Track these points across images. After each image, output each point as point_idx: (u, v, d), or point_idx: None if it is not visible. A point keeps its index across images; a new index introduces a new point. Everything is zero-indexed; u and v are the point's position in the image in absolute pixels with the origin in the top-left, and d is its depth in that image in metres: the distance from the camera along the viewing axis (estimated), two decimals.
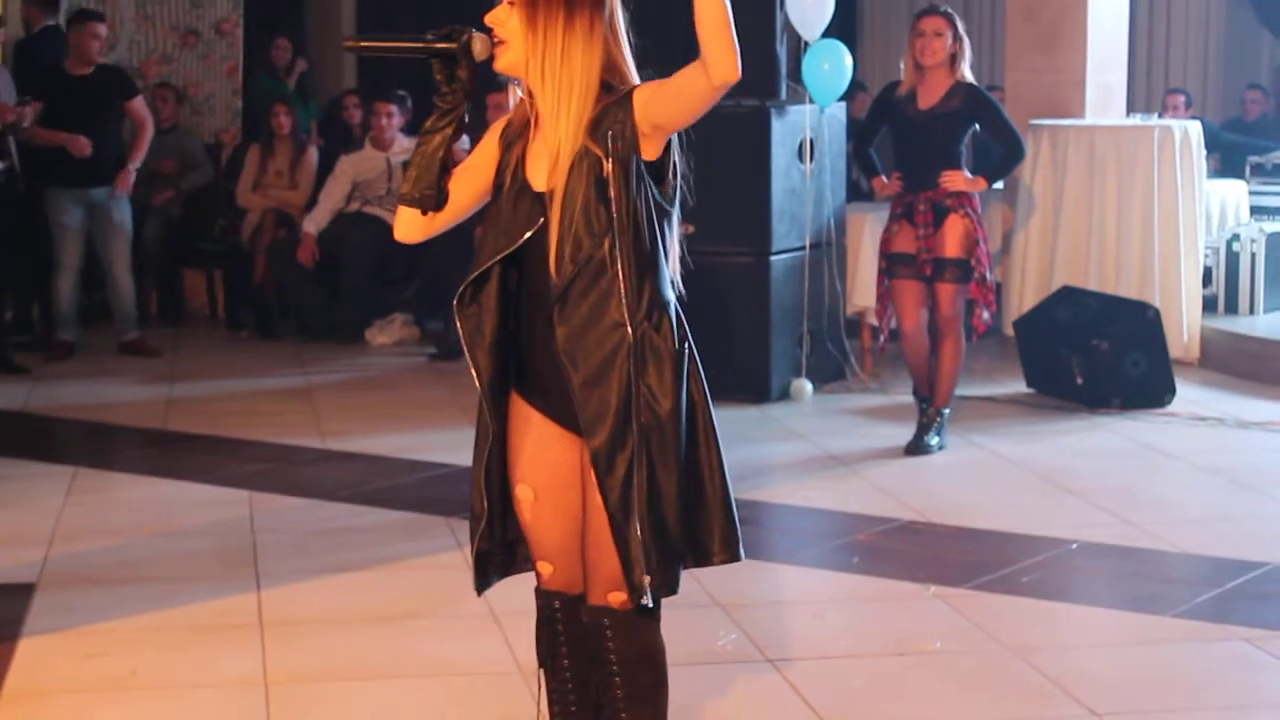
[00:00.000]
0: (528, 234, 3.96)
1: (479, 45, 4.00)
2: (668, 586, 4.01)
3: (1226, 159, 13.56)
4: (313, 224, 12.45)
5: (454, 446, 8.98)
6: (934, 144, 8.75)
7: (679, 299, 4.03)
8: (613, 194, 3.89)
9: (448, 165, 4.05)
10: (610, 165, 3.89)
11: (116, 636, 6.08)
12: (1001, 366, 10.72)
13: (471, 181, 4.10)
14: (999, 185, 10.71)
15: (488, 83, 4.14)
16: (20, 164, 11.06)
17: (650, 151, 3.93)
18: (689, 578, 6.61)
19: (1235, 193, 12.26)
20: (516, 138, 4.04)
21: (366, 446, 9.03)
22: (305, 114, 14.56)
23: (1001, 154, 9.02)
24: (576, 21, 3.93)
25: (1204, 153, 11.16)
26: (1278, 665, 5.77)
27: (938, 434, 8.88)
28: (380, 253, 12.41)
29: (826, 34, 10.19)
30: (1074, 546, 7.13)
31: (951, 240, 8.74)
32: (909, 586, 6.58)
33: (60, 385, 10.77)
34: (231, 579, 6.73)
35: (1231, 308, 11.69)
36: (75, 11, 11.98)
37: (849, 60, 10.19)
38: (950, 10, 8.90)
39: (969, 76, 8.78)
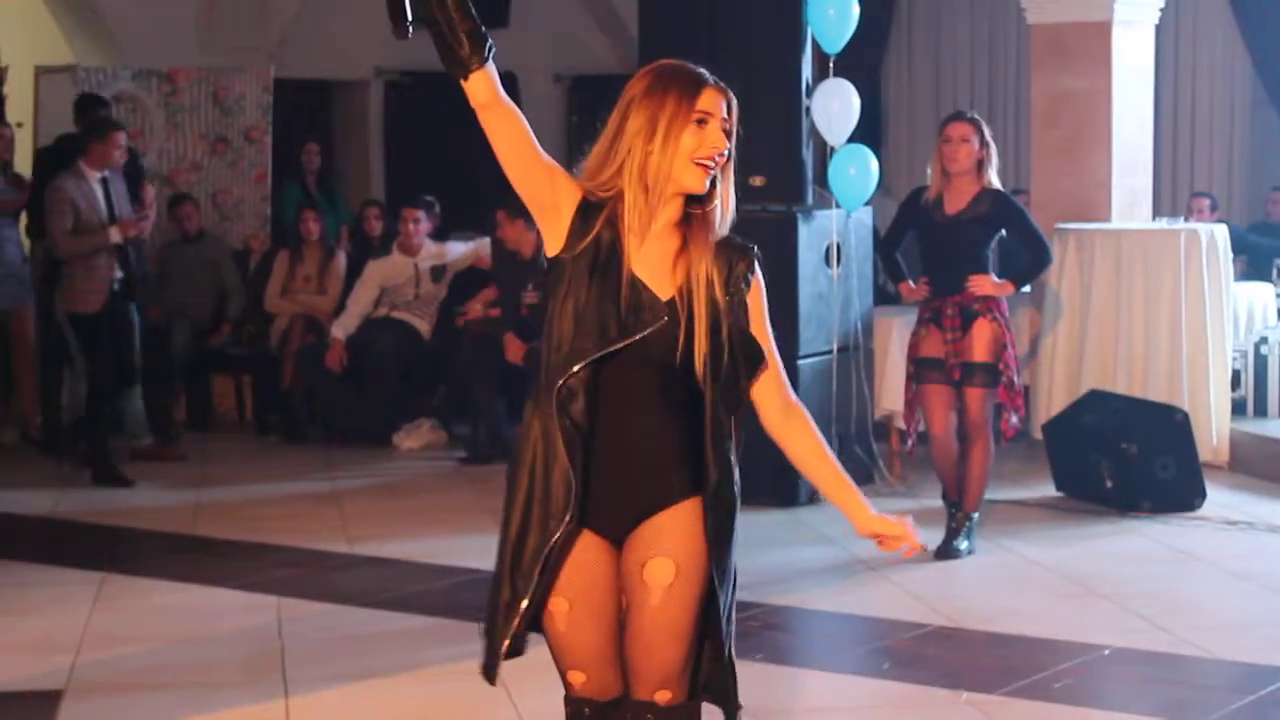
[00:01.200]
0: (649, 331, 4.03)
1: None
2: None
3: (1253, 261, 13.54)
4: (341, 329, 12.50)
5: (482, 552, 8.90)
6: (961, 249, 8.75)
7: None
8: (724, 337, 4.09)
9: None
10: (728, 319, 4.10)
11: None
12: (1030, 470, 10.68)
13: (525, 142, 4.10)
14: (1026, 289, 10.70)
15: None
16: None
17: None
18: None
19: (1263, 295, 12.24)
20: (598, 218, 4.07)
21: (394, 551, 9.01)
22: (334, 219, 14.61)
23: (1029, 259, 9.01)
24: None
25: (1230, 255, 11.16)
26: None
27: (967, 538, 8.84)
28: (408, 357, 12.46)
29: (852, 139, 10.23)
30: (1107, 653, 7.08)
31: (980, 344, 8.74)
32: (941, 693, 6.54)
33: (88, 491, 10.77)
34: (259, 685, 6.71)
35: (1261, 411, 11.65)
36: (99, 120, 12.00)
37: (874, 165, 10.22)
38: (977, 116, 8.92)
39: (995, 182, 8.78)
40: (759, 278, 4.19)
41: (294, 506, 10.29)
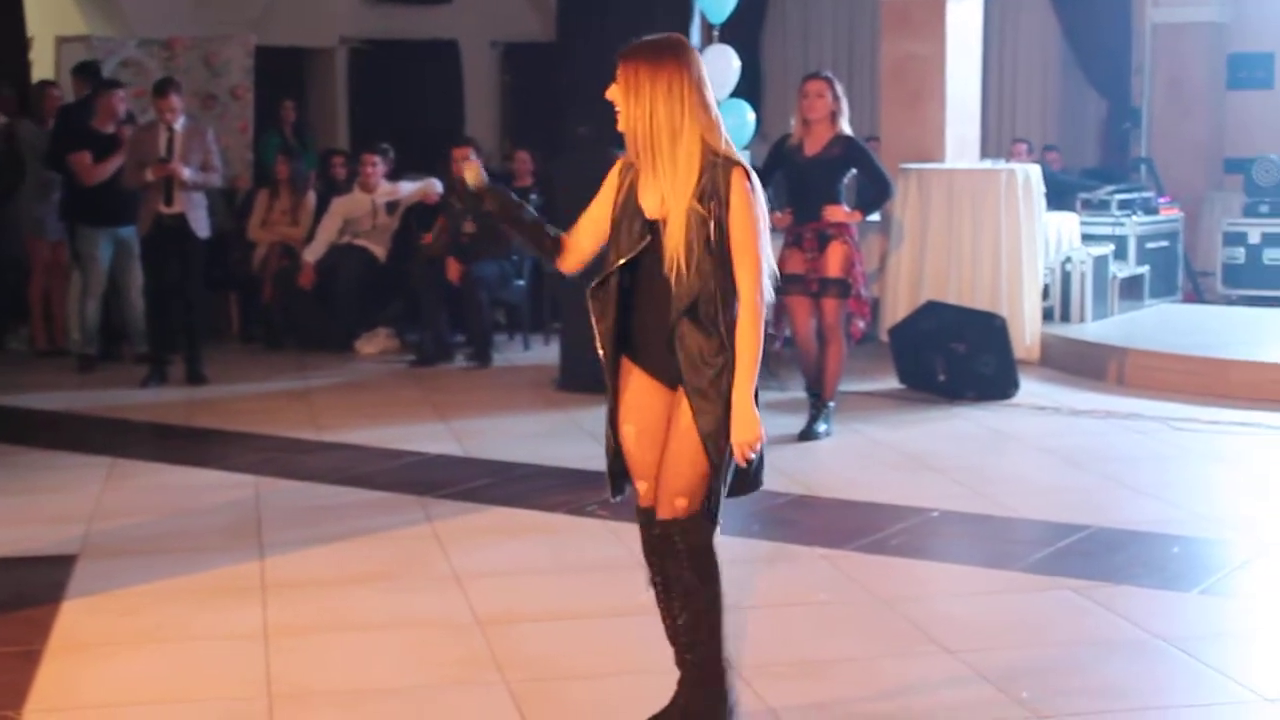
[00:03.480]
0: (639, 248, 4.37)
1: (469, 173, 4.72)
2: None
3: (1059, 196, 13.59)
4: (311, 254, 12.44)
5: (426, 438, 8.95)
6: (818, 184, 8.75)
7: None
8: (713, 241, 4.29)
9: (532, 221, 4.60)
10: (713, 225, 4.29)
11: (145, 598, 6.05)
12: (877, 366, 10.72)
13: (593, 230, 4.52)
14: (875, 218, 10.70)
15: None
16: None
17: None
18: (619, 545, 6.63)
19: (1069, 224, 12.31)
20: (629, 171, 4.42)
21: (354, 438, 8.98)
22: (305, 164, 14.51)
23: (874, 192, 9.01)
24: (658, 87, 4.27)
25: (1042, 191, 11.20)
26: (1097, 609, 5.79)
27: (825, 422, 8.88)
28: (367, 277, 12.40)
29: (734, 95, 10.20)
30: (935, 514, 7.14)
31: (833, 263, 8.76)
32: (800, 549, 6.58)
33: (100, 390, 10.69)
34: (239, 549, 6.69)
35: (1065, 316, 11.74)
36: (103, 81, 11.95)
37: (751, 116, 10.21)
38: (830, 75, 8.93)
39: (847, 129, 8.78)
40: (739, 189, 4.29)
41: (271, 402, 10.23)
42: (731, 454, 4.40)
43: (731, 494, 4.55)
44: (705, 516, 4.48)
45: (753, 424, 4.38)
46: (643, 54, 4.31)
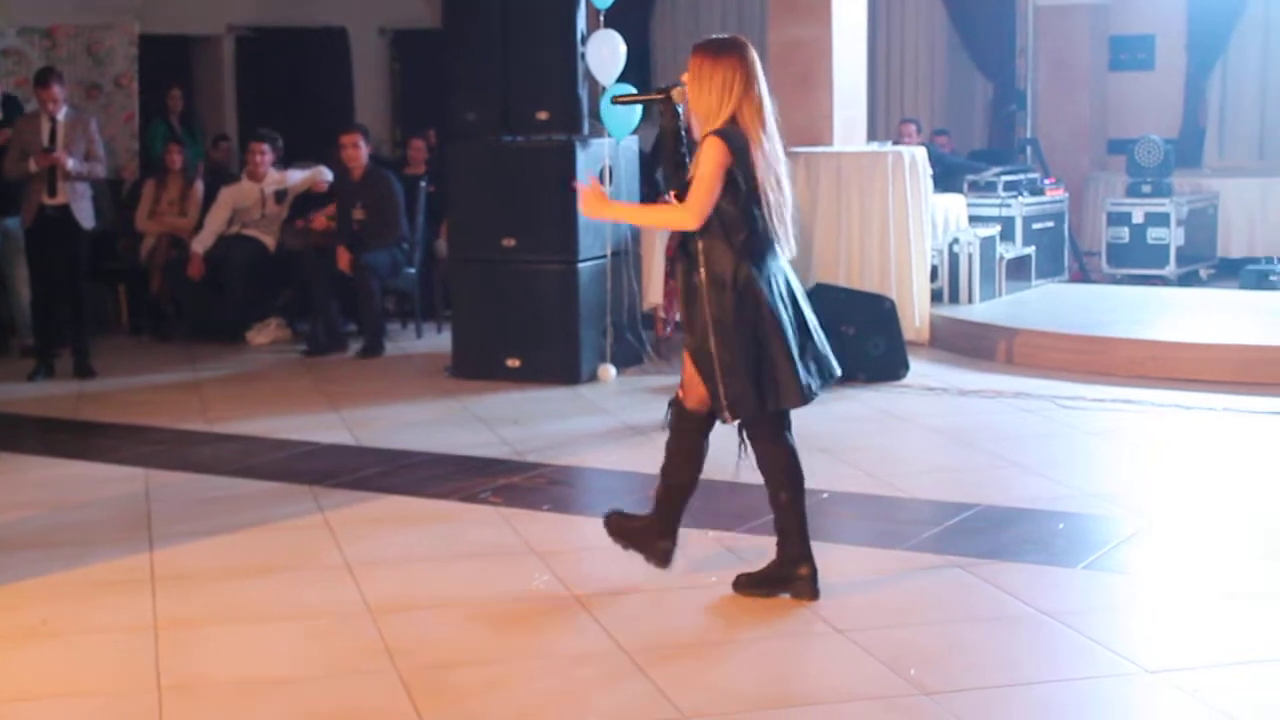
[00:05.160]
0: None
1: (677, 94, 5.58)
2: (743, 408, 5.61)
3: (947, 178, 13.72)
4: (200, 244, 12.34)
5: (318, 427, 8.91)
6: None
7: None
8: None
9: (682, 159, 5.61)
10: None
11: (29, 593, 5.97)
12: None
13: None
14: None
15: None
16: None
17: None
18: (511, 532, 6.63)
19: (956, 205, 12.41)
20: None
21: (245, 429, 8.92)
22: (194, 153, 14.39)
23: None
24: (710, 84, 5.44)
25: (929, 173, 11.29)
26: (983, 585, 5.86)
27: None
28: (257, 266, 12.30)
29: (621, 79, 10.21)
30: (825, 495, 7.18)
31: None
32: (693, 532, 6.56)
33: None
34: (128, 542, 6.63)
35: (954, 298, 11.85)
36: None
37: None
38: None
39: None
40: (703, 147, 5.44)
41: (161, 394, 10.14)
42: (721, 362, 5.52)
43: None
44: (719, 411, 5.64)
45: (600, 210, 5.95)
46: (708, 49, 5.48)
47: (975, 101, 17.05)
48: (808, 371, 5.64)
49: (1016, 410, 9.09)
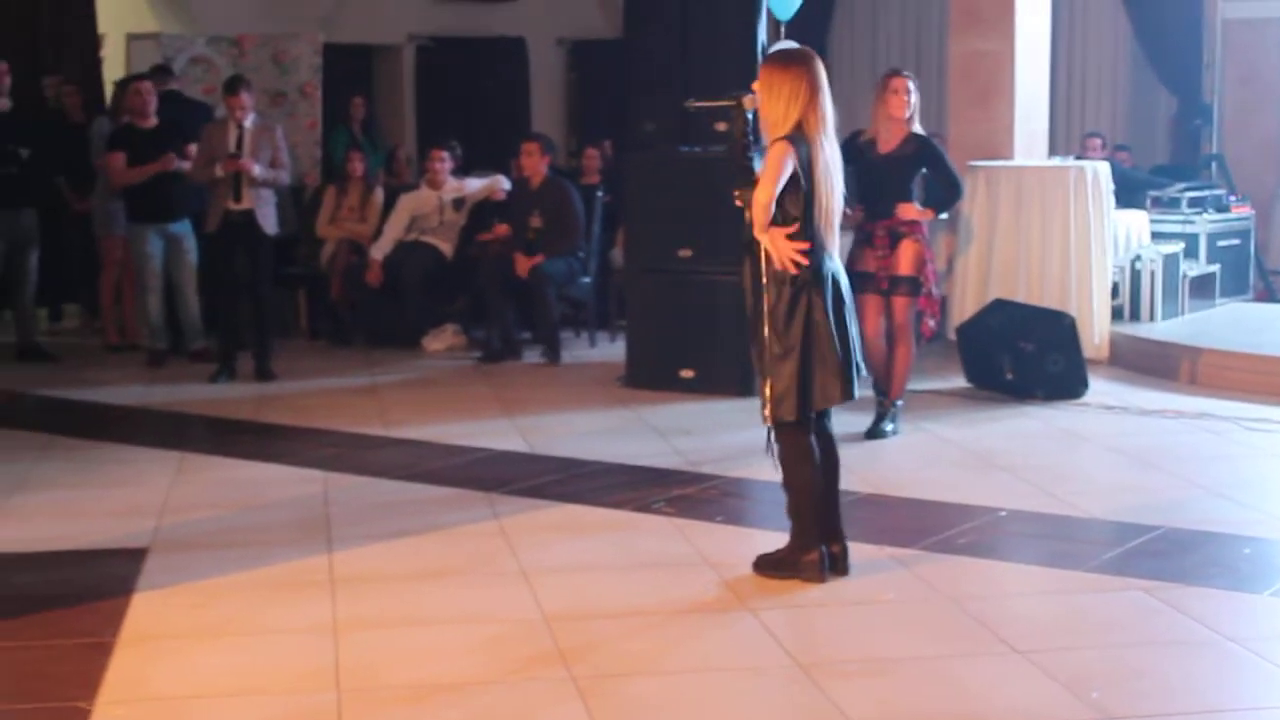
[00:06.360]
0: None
1: (748, 101, 5.92)
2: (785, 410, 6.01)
3: (1129, 194, 13.48)
4: (378, 251, 12.46)
5: (494, 434, 8.98)
6: (891, 182, 8.71)
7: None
8: None
9: (750, 163, 5.97)
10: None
11: (214, 592, 6.09)
12: (945, 365, 10.69)
13: None
14: (944, 216, 10.65)
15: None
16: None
17: None
18: (684, 542, 6.64)
19: (1138, 222, 12.21)
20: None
21: (421, 434, 9.01)
22: (375, 160, 14.59)
23: (946, 193, 8.97)
24: (779, 92, 5.83)
25: (1111, 188, 11.12)
26: (1166, 609, 5.75)
27: (892, 421, 8.85)
28: (434, 273, 12.42)
29: None
30: (1003, 514, 7.11)
31: (905, 261, 8.72)
32: (868, 548, 6.55)
33: (170, 385, 10.76)
34: (307, 543, 6.73)
35: (1135, 315, 11.65)
36: (125, 79, 12.16)
37: None
38: (910, 73, 8.92)
39: (919, 128, 8.75)
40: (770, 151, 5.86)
41: (339, 398, 10.29)
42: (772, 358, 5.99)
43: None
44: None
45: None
46: (777, 60, 5.91)
47: (1158, 116, 16.75)
48: (856, 371, 6.10)
49: (1199, 431, 8.92)
